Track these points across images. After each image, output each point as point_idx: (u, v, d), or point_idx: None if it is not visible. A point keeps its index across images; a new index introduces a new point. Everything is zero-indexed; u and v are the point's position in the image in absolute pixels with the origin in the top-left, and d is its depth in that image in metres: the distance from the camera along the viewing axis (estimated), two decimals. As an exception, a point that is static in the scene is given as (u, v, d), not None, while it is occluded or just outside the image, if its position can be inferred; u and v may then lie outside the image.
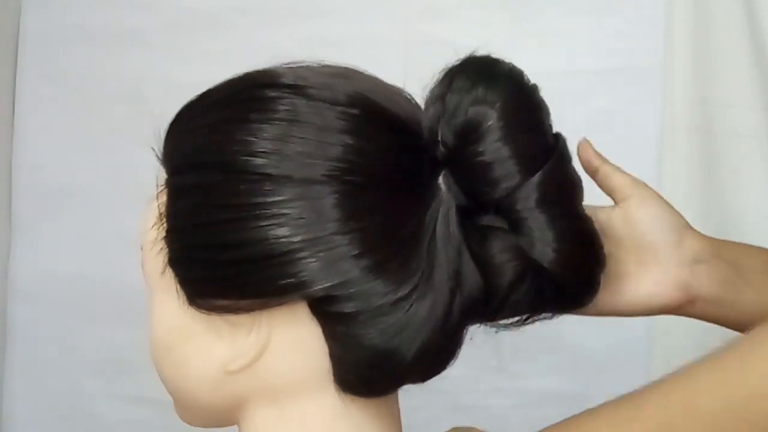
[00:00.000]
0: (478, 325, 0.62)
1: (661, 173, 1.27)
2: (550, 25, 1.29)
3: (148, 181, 0.61)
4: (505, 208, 0.58)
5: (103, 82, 1.39)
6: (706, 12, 1.24)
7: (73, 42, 1.40)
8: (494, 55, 0.61)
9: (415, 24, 1.33)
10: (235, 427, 0.62)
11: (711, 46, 1.24)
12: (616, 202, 0.71)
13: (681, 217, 0.71)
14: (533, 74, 0.62)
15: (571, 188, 0.61)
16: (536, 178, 0.58)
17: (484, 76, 0.59)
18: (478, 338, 0.66)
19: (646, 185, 0.71)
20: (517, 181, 0.57)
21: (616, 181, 0.71)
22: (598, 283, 0.62)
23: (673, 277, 0.68)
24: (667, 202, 0.71)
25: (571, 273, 0.59)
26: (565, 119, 0.64)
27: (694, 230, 0.71)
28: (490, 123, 0.57)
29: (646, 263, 0.69)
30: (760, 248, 0.73)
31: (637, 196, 0.70)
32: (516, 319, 0.61)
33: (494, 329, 0.63)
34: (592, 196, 0.66)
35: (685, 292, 0.68)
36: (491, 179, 0.57)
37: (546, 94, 0.62)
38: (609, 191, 0.71)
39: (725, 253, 0.71)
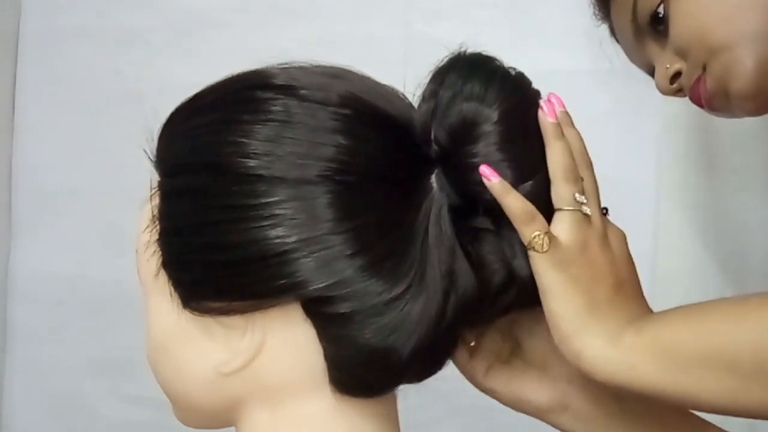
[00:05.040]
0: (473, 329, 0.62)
1: (661, 173, 1.26)
2: (550, 25, 1.29)
3: (148, 182, 0.61)
4: (494, 211, 0.58)
5: (103, 82, 1.39)
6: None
7: (73, 42, 1.40)
8: (485, 53, 0.61)
9: (415, 24, 1.32)
10: (233, 428, 0.62)
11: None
12: None
13: None
14: (533, 74, 0.62)
15: None
16: (528, 186, 0.58)
17: (477, 74, 0.59)
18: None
19: None
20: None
21: None
22: None
23: (548, 384, 0.66)
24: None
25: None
26: (565, 119, 0.63)
27: None
28: (488, 125, 0.57)
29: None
30: None
31: None
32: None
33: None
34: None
35: (557, 402, 0.66)
36: (482, 180, 0.57)
37: (546, 94, 0.62)
38: None
39: None
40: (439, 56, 0.60)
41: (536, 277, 0.58)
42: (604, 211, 0.62)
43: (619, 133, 1.27)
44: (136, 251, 0.61)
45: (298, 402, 0.59)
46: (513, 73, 0.60)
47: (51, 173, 1.42)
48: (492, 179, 0.57)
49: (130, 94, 1.36)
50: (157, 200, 0.59)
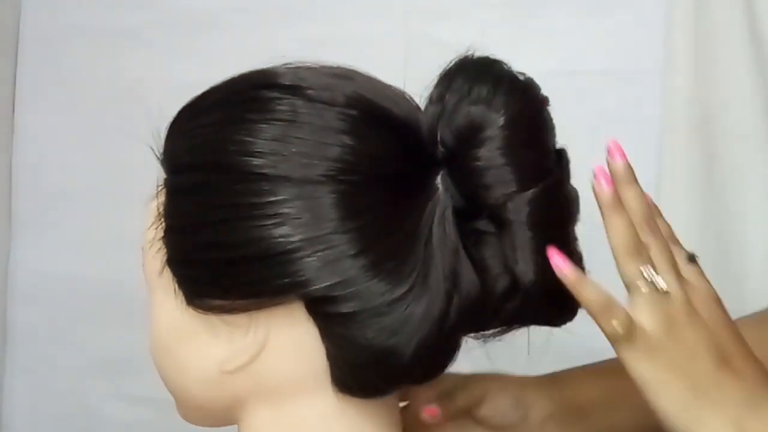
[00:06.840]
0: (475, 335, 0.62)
1: (661, 173, 1.26)
2: (550, 25, 1.29)
3: (148, 181, 0.61)
4: (498, 216, 0.57)
5: (103, 81, 1.39)
6: (706, 12, 1.24)
7: (73, 42, 1.40)
8: (493, 56, 0.60)
9: (415, 24, 1.32)
10: (236, 426, 0.62)
11: (711, 46, 1.24)
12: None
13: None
14: (533, 74, 0.62)
15: (566, 211, 0.60)
16: (530, 194, 0.57)
17: (485, 78, 0.58)
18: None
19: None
20: (512, 190, 0.56)
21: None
22: (574, 311, 0.60)
23: None
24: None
25: (547, 298, 0.58)
26: (565, 119, 0.63)
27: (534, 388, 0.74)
28: (493, 130, 0.57)
29: None
30: (597, 373, 0.75)
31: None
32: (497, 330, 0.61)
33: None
34: (591, 205, 0.65)
35: None
36: (487, 183, 0.57)
37: (546, 94, 0.61)
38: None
39: (566, 396, 0.73)
40: (439, 57, 0.60)
41: (627, 370, 0.56)
42: (691, 258, 0.59)
43: (619, 133, 1.27)
44: (142, 248, 0.61)
45: (300, 401, 0.59)
46: (522, 78, 0.60)
47: (51, 173, 1.42)
48: (564, 270, 0.55)
49: (130, 94, 1.36)
50: (162, 197, 0.60)
